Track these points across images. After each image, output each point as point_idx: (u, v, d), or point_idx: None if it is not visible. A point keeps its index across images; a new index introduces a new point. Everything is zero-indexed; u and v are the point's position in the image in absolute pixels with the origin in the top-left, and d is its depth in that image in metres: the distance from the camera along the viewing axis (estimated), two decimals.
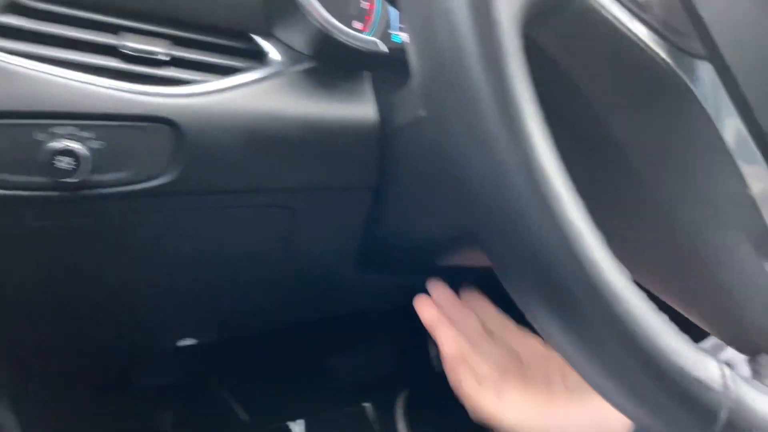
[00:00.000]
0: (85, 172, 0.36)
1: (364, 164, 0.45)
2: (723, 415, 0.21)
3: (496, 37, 0.20)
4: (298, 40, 0.43)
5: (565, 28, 0.26)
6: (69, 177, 0.35)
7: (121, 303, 0.48)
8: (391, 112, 0.46)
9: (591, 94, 0.29)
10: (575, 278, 0.20)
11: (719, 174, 0.27)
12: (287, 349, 0.78)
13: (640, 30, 0.26)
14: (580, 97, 0.29)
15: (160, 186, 0.39)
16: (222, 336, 0.59)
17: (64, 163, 0.35)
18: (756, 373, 0.27)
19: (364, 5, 0.46)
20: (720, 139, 0.27)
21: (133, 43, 0.39)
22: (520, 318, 0.23)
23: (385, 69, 0.46)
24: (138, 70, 0.39)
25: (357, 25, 0.46)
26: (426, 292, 0.54)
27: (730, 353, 0.29)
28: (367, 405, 0.85)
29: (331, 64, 0.44)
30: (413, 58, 0.22)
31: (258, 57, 0.43)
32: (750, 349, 0.28)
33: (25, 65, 0.35)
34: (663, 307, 0.24)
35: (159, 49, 0.39)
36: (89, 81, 0.36)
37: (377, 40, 0.44)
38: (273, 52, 0.43)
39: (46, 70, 0.35)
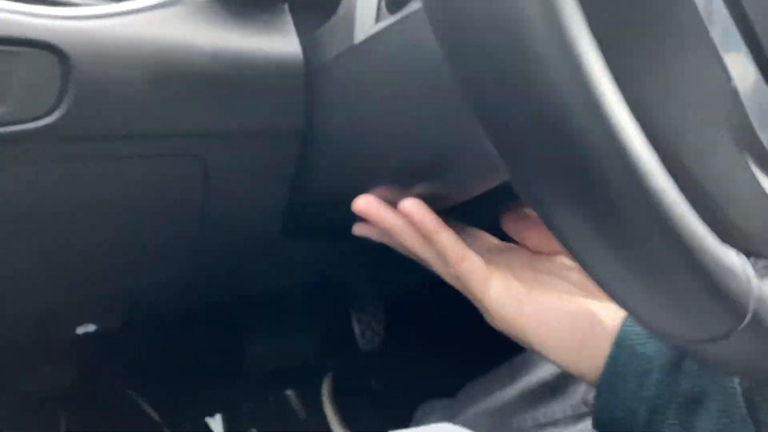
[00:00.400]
0: None
1: (286, 105, 0.40)
2: (751, 308, 0.19)
3: None
4: None
5: None
6: None
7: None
8: (315, 48, 0.41)
9: None
10: (610, 159, 0.17)
11: (701, 66, 0.25)
12: (201, 335, 0.71)
13: None
14: None
15: (44, 128, 0.33)
16: (127, 321, 0.52)
17: None
18: None
19: None
20: (703, 27, 0.25)
21: None
22: None
23: (305, 4, 0.42)
24: None
25: None
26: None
27: None
28: (290, 392, 0.79)
29: None
30: None
31: None
32: None
33: None
34: None
35: None
36: None
37: None
38: None
39: None
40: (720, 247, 0.19)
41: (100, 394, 0.68)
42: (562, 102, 0.18)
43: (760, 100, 0.27)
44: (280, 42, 0.40)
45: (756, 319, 0.19)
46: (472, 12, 0.20)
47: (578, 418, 0.49)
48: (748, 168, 0.26)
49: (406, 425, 0.41)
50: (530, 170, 0.19)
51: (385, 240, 0.44)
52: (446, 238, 0.38)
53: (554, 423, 0.50)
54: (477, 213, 0.44)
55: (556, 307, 0.39)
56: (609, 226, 0.18)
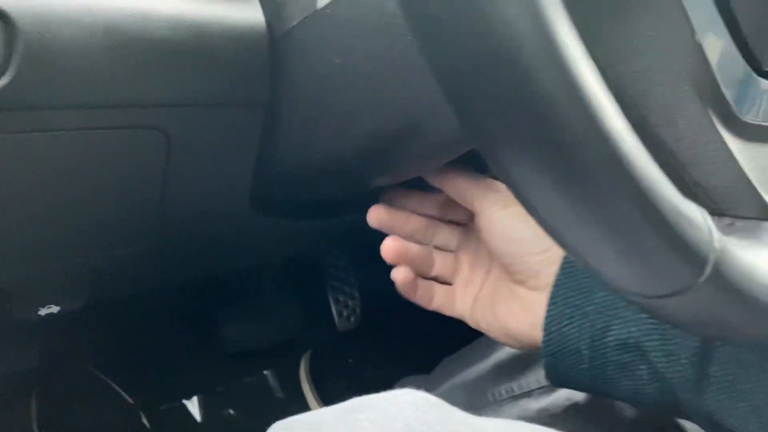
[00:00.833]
0: None
1: (250, 75, 0.39)
2: (711, 261, 0.18)
3: None
4: None
5: None
6: None
7: None
8: (278, 15, 0.40)
9: None
10: (562, 95, 0.16)
11: (665, 20, 0.25)
12: (174, 315, 0.70)
13: None
14: None
15: None
16: (92, 301, 0.50)
17: None
18: None
19: None
20: None
21: None
22: None
23: None
24: None
25: None
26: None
27: None
28: (267, 372, 0.79)
29: None
30: None
31: None
32: None
33: None
34: None
35: None
36: None
37: None
38: None
39: None
40: (679, 195, 0.18)
41: (72, 377, 0.67)
42: (515, 36, 0.17)
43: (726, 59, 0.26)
44: (241, 9, 0.39)
45: (717, 271, 0.18)
46: None
47: (552, 388, 0.49)
48: (713, 125, 0.25)
49: None
50: (481, 110, 0.18)
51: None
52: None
53: (528, 394, 0.50)
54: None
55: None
56: (561, 169, 0.17)
